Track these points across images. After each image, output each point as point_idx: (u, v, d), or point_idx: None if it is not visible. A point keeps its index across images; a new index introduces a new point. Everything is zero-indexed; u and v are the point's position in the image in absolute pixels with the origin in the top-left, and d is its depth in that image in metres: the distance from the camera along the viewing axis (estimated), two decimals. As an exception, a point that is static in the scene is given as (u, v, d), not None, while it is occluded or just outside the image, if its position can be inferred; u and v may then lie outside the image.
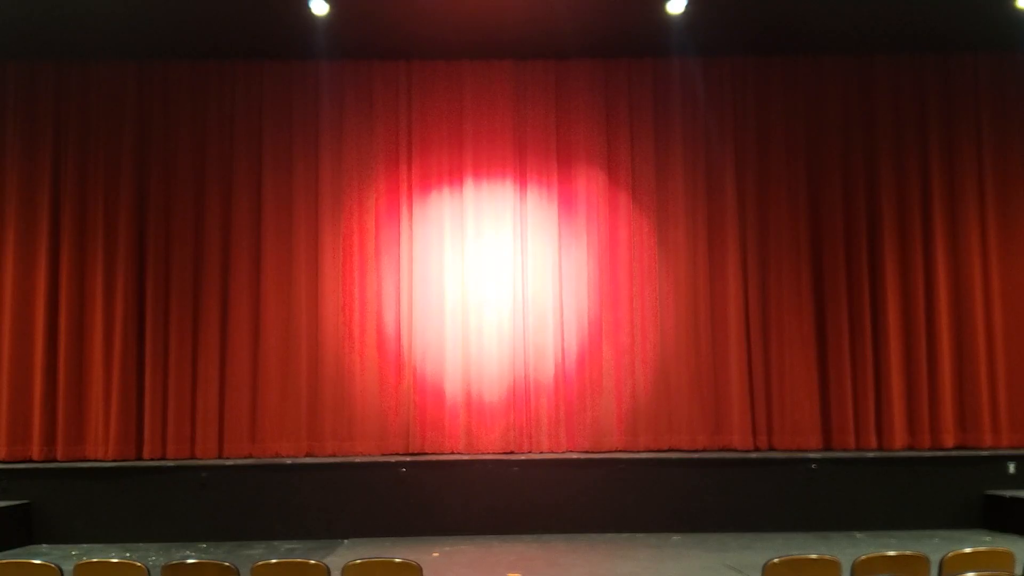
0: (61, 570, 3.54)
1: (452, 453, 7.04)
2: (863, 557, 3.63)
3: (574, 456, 6.96)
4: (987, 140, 7.33)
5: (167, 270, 7.15)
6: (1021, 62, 7.31)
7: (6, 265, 7.05)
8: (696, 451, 7.05)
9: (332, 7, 6.39)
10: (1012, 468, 6.82)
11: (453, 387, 7.14)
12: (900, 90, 7.35)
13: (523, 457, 6.92)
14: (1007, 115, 7.36)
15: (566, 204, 7.36)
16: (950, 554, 3.65)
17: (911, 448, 7.06)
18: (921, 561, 3.60)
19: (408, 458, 6.91)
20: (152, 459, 6.93)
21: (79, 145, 7.20)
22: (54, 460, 6.91)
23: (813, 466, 6.79)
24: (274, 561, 3.61)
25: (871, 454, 6.97)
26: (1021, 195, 7.34)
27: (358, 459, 6.91)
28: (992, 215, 7.28)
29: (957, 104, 7.35)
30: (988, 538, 6.24)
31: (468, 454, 7.02)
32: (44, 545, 6.46)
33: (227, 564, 3.57)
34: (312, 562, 3.57)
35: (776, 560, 3.54)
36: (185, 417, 7.03)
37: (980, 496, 6.73)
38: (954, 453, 6.99)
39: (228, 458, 6.95)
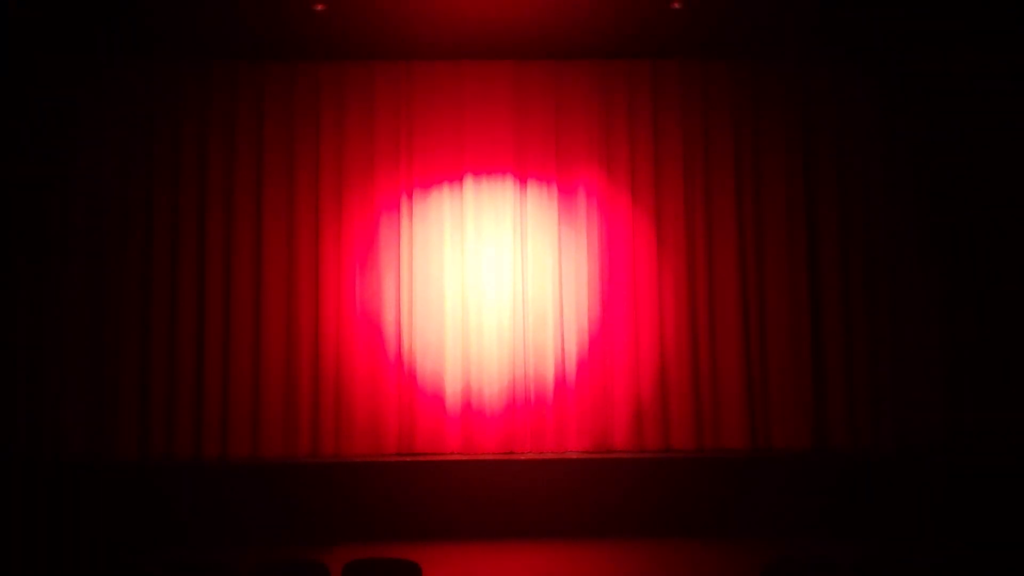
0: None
1: (452, 453, 7.04)
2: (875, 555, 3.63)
3: (575, 456, 6.95)
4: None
5: (172, 269, 7.16)
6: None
7: None
8: (698, 451, 7.05)
9: (332, 7, 6.41)
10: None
11: (453, 387, 7.14)
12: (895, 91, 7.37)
13: (524, 457, 6.91)
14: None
15: (566, 204, 7.37)
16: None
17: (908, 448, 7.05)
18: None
19: (408, 458, 6.91)
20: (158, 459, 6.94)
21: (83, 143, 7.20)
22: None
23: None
24: (274, 561, 3.60)
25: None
26: None
27: (357, 459, 6.90)
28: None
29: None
30: None
31: (468, 454, 7.02)
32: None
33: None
34: (312, 562, 3.56)
35: (777, 560, 3.53)
36: (189, 418, 7.04)
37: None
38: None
39: (230, 458, 6.95)
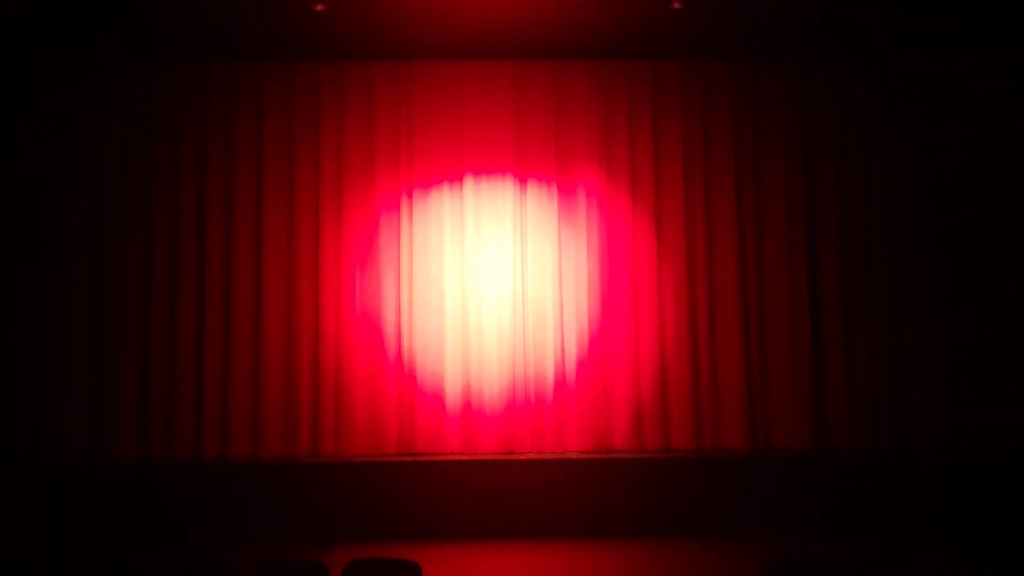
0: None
1: (452, 453, 7.04)
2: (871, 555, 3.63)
3: (575, 456, 6.95)
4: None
5: (172, 269, 7.15)
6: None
7: None
8: (698, 451, 7.05)
9: (332, 7, 6.42)
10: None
11: (453, 387, 7.14)
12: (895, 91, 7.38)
13: (524, 457, 6.91)
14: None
15: (566, 204, 7.37)
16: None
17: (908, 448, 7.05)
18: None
19: (408, 458, 6.91)
20: (158, 459, 6.94)
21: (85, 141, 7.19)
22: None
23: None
24: (274, 562, 3.60)
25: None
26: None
27: (357, 459, 6.90)
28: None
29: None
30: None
31: (468, 454, 7.02)
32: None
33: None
34: (312, 561, 3.56)
35: (777, 560, 3.53)
36: (189, 418, 7.04)
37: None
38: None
39: (230, 458, 6.95)
